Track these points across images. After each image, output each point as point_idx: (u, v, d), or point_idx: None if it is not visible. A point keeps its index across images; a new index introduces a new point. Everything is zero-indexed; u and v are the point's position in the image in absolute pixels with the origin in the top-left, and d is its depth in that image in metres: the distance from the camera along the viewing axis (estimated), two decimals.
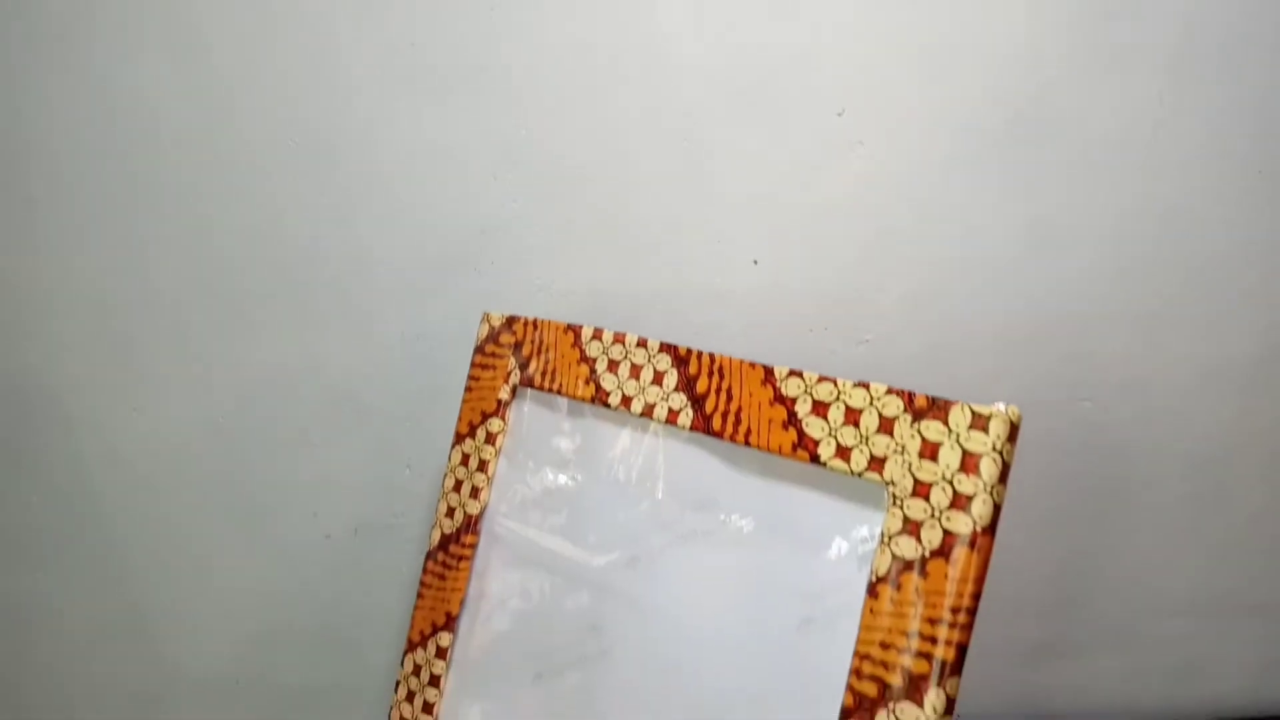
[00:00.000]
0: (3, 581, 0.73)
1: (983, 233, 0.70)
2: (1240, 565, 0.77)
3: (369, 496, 0.74)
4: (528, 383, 0.55)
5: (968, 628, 0.38)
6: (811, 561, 0.43)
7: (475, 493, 0.56)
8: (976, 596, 0.38)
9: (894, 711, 0.38)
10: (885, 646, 0.39)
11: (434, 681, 0.55)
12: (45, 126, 0.67)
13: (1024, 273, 0.70)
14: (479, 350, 0.58)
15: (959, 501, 0.38)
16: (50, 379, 0.70)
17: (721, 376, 0.46)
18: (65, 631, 0.75)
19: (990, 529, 0.38)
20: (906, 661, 0.38)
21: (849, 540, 0.42)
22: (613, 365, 0.51)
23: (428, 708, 0.55)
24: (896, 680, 0.38)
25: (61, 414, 0.71)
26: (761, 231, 0.69)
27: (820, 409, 0.43)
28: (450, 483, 0.57)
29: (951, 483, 0.39)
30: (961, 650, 0.38)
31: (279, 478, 0.73)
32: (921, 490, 0.39)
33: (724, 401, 0.46)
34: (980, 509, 0.38)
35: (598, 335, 0.52)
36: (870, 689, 0.39)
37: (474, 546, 0.56)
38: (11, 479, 0.71)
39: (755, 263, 0.69)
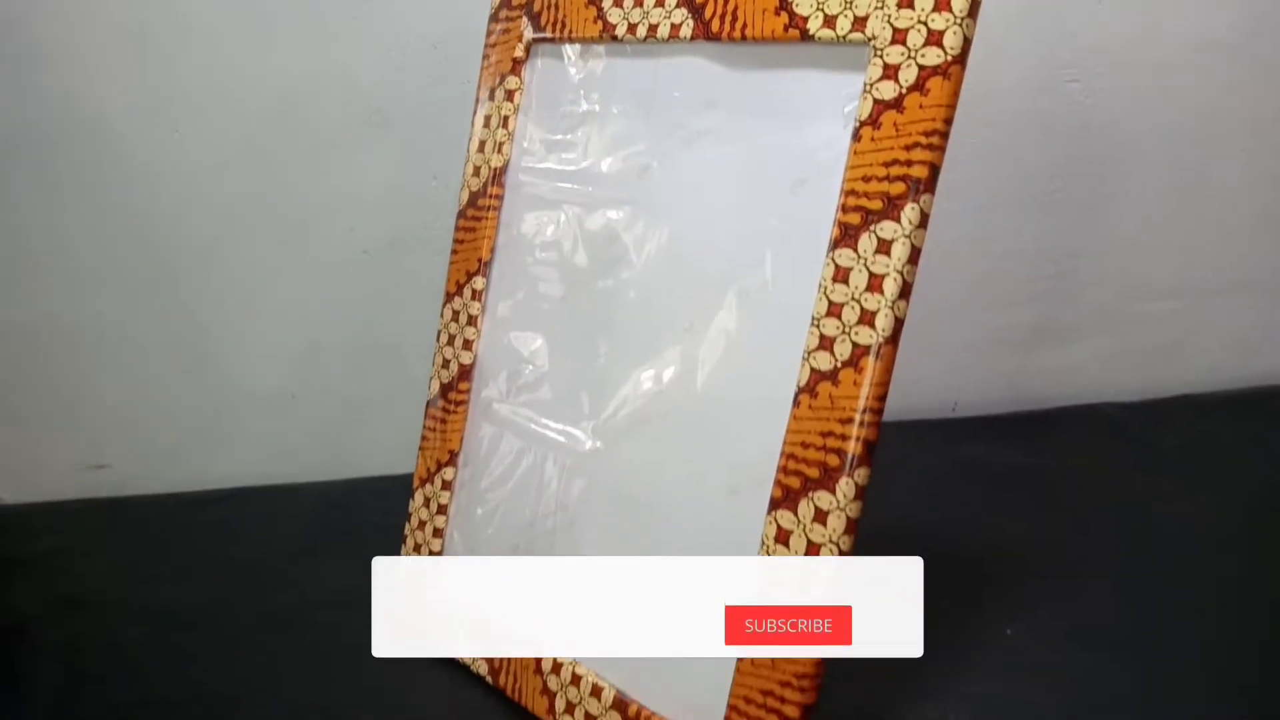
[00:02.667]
0: (65, 304, 0.78)
1: None
2: (1222, 244, 0.82)
3: (400, 209, 0.79)
4: (541, 39, 0.59)
5: (940, 149, 0.43)
6: (803, 132, 0.47)
7: (499, 148, 0.61)
8: (948, 121, 0.42)
9: (875, 232, 0.43)
10: (866, 179, 0.44)
11: (471, 321, 0.61)
12: None
13: None
14: (494, 18, 0.61)
15: (933, 38, 0.42)
16: (90, 103, 0.74)
17: None
18: (127, 352, 0.80)
19: (960, 60, 0.42)
20: (885, 187, 0.43)
21: (837, 105, 0.46)
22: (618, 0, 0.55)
23: (467, 344, 0.61)
24: (877, 205, 0.43)
25: (103, 136, 0.75)
26: None
27: None
28: (474, 145, 0.62)
29: (926, 23, 0.43)
30: (934, 170, 0.43)
31: (314, 192, 0.78)
32: (899, 37, 0.43)
33: (721, 4, 0.50)
34: (952, 40, 0.42)
35: None
36: (854, 219, 0.44)
37: (500, 198, 0.61)
38: (62, 203, 0.76)
39: None
